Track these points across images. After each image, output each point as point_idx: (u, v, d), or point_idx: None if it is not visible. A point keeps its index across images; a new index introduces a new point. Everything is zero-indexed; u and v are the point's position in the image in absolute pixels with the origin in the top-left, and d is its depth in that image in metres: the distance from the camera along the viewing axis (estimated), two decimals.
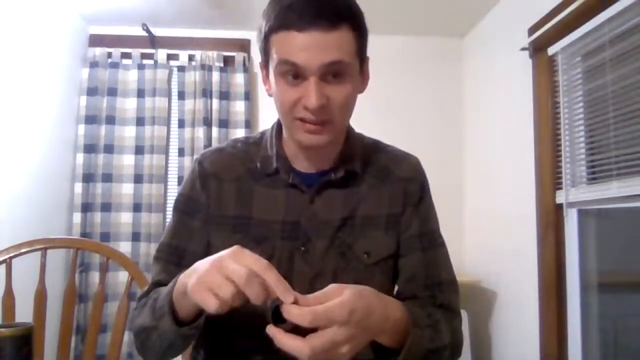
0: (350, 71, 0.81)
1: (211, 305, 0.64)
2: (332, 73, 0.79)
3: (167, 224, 0.95)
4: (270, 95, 0.89)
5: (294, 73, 0.79)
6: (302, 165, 0.92)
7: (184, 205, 0.95)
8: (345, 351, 0.64)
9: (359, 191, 0.93)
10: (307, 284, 0.88)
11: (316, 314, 0.61)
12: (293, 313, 0.61)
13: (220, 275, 0.64)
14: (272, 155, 0.92)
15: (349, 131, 0.96)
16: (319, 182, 0.91)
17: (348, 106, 0.84)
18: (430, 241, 0.94)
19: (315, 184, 0.90)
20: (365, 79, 0.90)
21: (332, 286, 0.66)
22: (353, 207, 0.92)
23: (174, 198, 1.00)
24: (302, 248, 0.89)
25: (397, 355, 0.74)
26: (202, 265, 0.68)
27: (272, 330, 0.62)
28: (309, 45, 0.76)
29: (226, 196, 0.92)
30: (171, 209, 0.99)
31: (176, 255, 0.93)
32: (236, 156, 0.95)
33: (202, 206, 0.93)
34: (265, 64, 0.87)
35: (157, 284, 0.91)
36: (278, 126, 0.95)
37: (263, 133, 0.99)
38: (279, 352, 0.63)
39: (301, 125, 0.82)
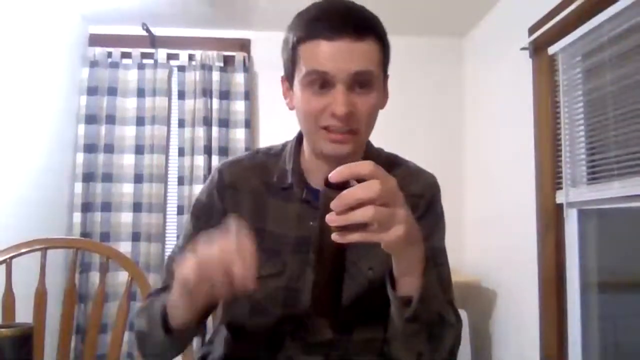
0: (376, 82, 0.83)
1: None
2: (359, 83, 0.80)
3: (183, 225, 0.97)
4: (291, 108, 0.90)
5: (321, 82, 0.80)
6: (318, 181, 0.91)
7: (201, 212, 0.96)
8: (399, 227, 0.65)
9: None
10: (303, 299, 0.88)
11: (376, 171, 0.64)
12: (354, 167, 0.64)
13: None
14: (288, 169, 0.93)
15: (368, 146, 0.96)
16: None
17: (372, 117, 0.85)
18: (430, 259, 0.92)
19: None
20: (386, 95, 0.91)
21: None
22: None
23: (176, 198, 1.01)
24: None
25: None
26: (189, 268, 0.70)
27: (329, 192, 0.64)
28: (338, 54, 0.78)
29: (242, 207, 0.92)
30: (171, 209, 1.00)
31: None
32: (254, 168, 0.96)
33: (218, 214, 0.93)
34: (288, 77, 0.88)
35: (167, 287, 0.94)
36: (298, 139, 0.96)
37: (285, 145, 0.99)
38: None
39: (326, 135, 0.83)
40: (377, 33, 0.83)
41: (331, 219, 0.63)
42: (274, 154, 0.98)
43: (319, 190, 0.90)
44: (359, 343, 0.90)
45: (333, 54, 0.78)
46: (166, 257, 1.02)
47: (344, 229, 0.63)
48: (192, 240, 0.92)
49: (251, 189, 0.93)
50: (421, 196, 0.95)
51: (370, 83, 0.81)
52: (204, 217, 0.95)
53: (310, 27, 0.81)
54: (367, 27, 0.80)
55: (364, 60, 0.79)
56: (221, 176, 0.95)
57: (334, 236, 0.64)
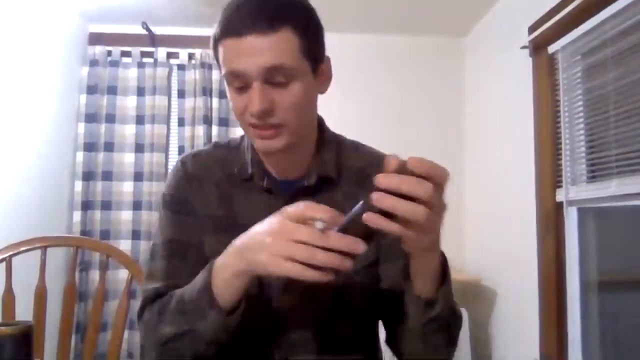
0: (297, 74, 0.79)
1: (295, 272, 0.64)
2: (276, 77, 0.78)
3: (159, 223, 0.93)
4: None
5: (238, 81, 0.79)
6: (277, 172, 0.91)
7: (174, 204, 0.93)
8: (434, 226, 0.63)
9: (334, 198, 0.90)
10: (283, 293, 0.87)
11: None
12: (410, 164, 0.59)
13: (288, 241, 0.64)
14: (247, 160, 0.92)
15: (323, 133, 0.94)
16: (293, 188, 0.89)
17: (300, 108, 0.81)
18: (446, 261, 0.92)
19: (289, 191, 0.89)
20: (326, 79, 0.87)
21: None
22: None
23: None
24: None
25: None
26: (258, 237, 0.68)
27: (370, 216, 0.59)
28: (246, 51, 0.76)
29: (209, 197, 0.91)
30: None
31: (179, 249, 0.90)
32: (216, 160, 0.95)
33: (190, 204, 0.92)
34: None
35: (166, 282, 0.87)
36: None
37: (243, 137, 0.98)
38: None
39: (254, 131, 0.82)
40: (294, 20, 0.78)
41: (378, 197, 0.58)
42: (233, 147, 0.97)
43: (279, 179, 0.91)
44: (343, 340, 0.90)
45: (241, 52, 0.76)
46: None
47: (385, 216, 0.59)
48: (175, 230, 0.90)
49: (215, 180, 0.93)
50: None
51: (288, 76, 0.78)
52: (180, 208, 0.92)
53: (224, 24, 0.79)
54: (278, 18, 0.76)
55: (275, 54, 0.76)
56: (185, 167, 0.94)
57: (370, 215, 0.59)
